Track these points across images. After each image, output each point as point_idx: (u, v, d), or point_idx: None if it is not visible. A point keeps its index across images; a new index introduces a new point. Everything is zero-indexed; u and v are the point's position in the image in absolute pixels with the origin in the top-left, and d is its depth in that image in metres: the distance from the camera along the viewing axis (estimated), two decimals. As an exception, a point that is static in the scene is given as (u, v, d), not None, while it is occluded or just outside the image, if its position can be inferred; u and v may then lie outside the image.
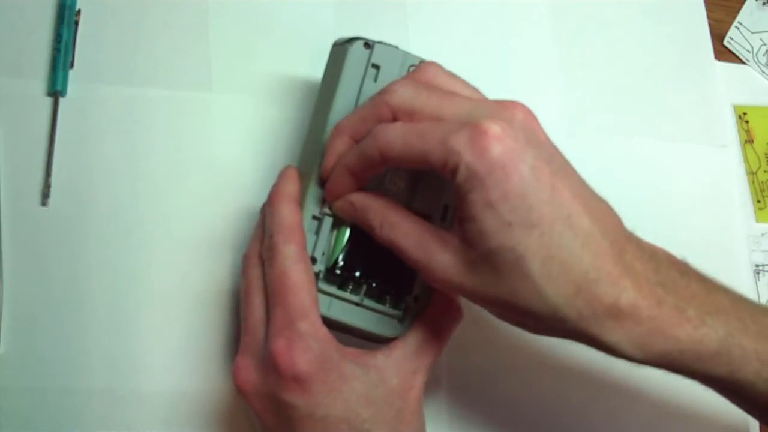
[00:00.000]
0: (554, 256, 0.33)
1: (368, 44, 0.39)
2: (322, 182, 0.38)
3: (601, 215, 0.34)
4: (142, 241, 0.44)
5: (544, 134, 0.35)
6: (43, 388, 0.42)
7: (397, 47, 0.40)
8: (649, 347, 0.34)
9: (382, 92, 0.36)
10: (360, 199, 0.37)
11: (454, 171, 0.33)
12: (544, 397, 0.49)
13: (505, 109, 0.34)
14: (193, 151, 0.46)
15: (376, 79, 0.39)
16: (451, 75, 0.38)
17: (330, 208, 0.38)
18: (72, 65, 0.45)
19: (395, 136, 0.35)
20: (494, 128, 0.32)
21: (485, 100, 0.37)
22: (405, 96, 0.35)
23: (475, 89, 0.38)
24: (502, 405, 0.48)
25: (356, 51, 0.39)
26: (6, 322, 0.42)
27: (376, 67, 0.39)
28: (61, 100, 0.44)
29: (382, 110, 0.36)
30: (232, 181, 0.46)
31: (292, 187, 0.39)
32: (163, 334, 0.43)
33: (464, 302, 0.39)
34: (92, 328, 0.43)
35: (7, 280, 0.42)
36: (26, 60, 0.45)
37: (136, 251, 0.44)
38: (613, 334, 0.34)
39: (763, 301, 0.53)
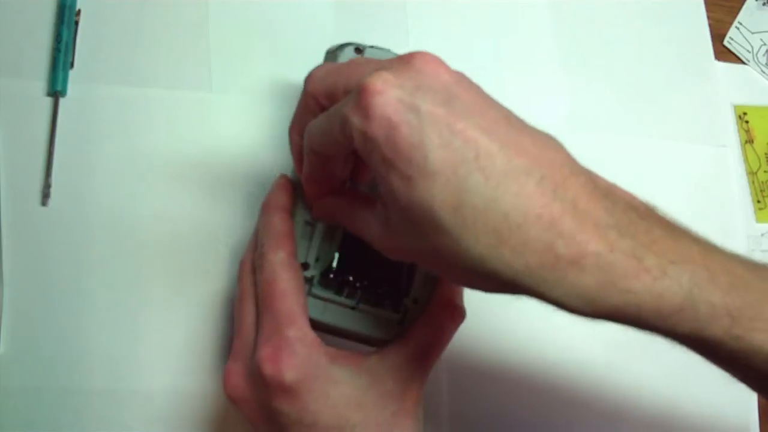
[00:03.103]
0: (465, 203, 0.29)
1: (359, 49, 0.39)
2: None
3: (529, 150, 0.30)
4: (142, 241, 0.44)
5: (450, 75, 0.32)
6: (43, 388, 0.42)
7: (389, 50, 0.39)
8: (599, 302, 0.30)
9: (303, 90, 0.36)
10: (328, 203, 0.37)
11: (352, 139, 0.31)
12: (545, 397, 0.49)
13: (401, 60, 0.32)
14: (193, 152, 0.46)
15: None
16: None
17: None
18: (72, 65, 0.45)
19: (314, 131, 0.34)
20: (375, 83, 0.30)
21: (385, 60, 0.34)
22: (317, 79, 0.35)
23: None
24: (502, 405, 0.48)
25: (346, 57, 0.39)
26: (6, 322, 0.42)
27: None
28: (61, 100, 0.44)
29: (307, 101, 0.35)
30: (233, 181, 0.46)
31: (283, 196, 0.39)
32: (164, 334, 0.43)
33: (466, 303, 0.39)
34: (92, 328, 0.43)
35: (7, 280, 0.42)
36: (26, 60, 0.45)
37: (135, 251, 0.44)
38: (555, 287, 0.30)
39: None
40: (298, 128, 0.37)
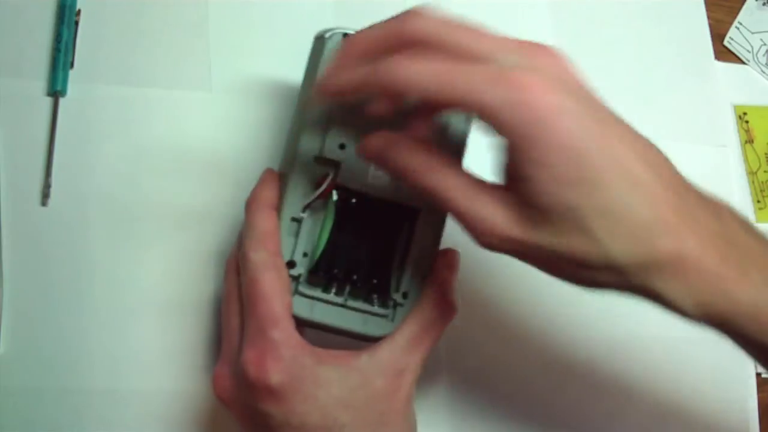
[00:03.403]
0: (611, 209, 0.31)
1: (347, 35, 0.38)
2: (301, 183, 0.38)
3: (655, 161, 0.32)
4: (142, 241, 0.44)
5: (580, 79, 0.33)
6: (43, 388, 0.42)
7: None
8: (708, 306, 0.32)
9: (401, 19, 0.33)
10: (394, 137, 0.34)
11: (497, 129, 0.31)
12: (545, 396, 0.49)
13: (536, 56, 0.32)
14: (193, 151, 0.46)
15: None
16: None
17: (359, 149, 0.35)
18: (72, 65, 0.45)
19: (421, 76, 0.32)
20: (531, 81, 0.30)
21: (511, 41, 0.33)
22: (427, 28, 0.33)
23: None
24: (502, 405, 0.48)
25: (334, 42, 0.38)
26: (6, 322, 0.42)
27: None
28: (61, 100, 0.44)
29: (403, 37, 0.33)
30: (233, 181, 0.46)
31: (268, 191, 0.38)
32: (164, 334, 0.43)
33: (460, 299, 0.39)
34: (92, 328, 0.43)
35: (7, 280, 0.42)
36: (26, 60, 0.45)
37: (135, 251, 0.44)
38: (674, 288, 0.32)
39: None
40: (364, 51, 0.34)
